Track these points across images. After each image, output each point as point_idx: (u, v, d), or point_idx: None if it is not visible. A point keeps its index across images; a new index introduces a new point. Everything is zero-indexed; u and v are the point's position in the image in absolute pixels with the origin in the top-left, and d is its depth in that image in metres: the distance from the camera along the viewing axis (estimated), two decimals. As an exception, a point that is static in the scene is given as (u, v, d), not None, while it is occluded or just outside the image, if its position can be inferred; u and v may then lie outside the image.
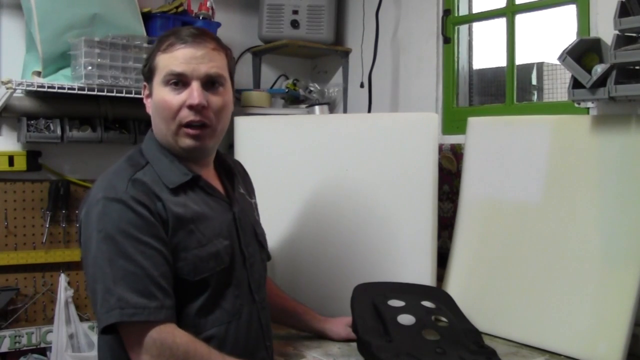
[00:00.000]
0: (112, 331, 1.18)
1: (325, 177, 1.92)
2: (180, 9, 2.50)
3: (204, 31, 1.34)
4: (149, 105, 1.35)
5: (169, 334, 1.17)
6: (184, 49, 1.27)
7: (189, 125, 1.28)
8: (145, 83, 1.36)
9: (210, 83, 1.29)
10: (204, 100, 1.27)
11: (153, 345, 1.15)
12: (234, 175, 1.46)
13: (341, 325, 1.66)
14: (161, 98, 1.28)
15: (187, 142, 1.29)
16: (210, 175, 1.39)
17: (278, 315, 1.61)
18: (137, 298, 1.15)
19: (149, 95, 1.34)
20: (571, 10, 2.00)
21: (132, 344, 1.17)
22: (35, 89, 2.13)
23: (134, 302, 1.15)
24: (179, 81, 1.27)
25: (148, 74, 1.33)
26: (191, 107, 1.26)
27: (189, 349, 1.17)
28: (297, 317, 1.67)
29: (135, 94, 2.22)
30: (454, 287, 1.83)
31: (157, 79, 1.30)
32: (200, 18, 2.56)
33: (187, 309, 1.25)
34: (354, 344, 1.57)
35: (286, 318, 1.66)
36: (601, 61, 1.62)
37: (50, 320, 2.36)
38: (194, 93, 1.26)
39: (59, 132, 2.30)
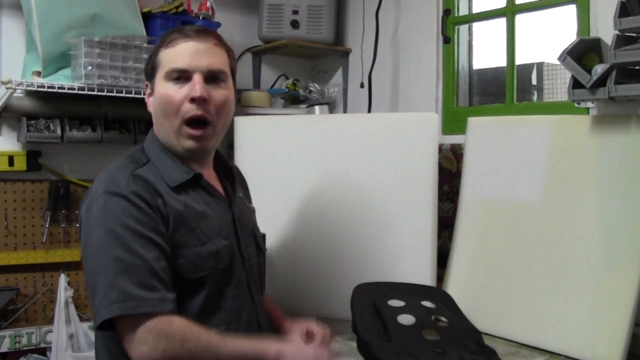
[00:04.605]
0: (109, 327, 1.16)
1: (325, 177, 1.92)
2: (180, 9, 2.50)
3: (207, 28, 1.35)
4: (151, 104, 1.35)
5: (165, 322, 1.15)
6: (186, 43, 1.29)
7: (190, 122, 1.28)
8: (147, 82, 1.37)
9: (212, 78, 1.30)
10: (205, 92, 1.27)
11: (149, 335, 1.14)
12: (233, 177, 1.46)
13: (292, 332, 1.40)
14: (164, 93, 1.29)
15: (188, 143, 1.29)
16: (210, 175, 1.40)
17: None
18: (138, 290, 1.14)
19: (151, 94, 1.35)
20: (571, 10, 2.00)
21: (128, 338, 1.15)
22: (35, 89, 2.13)
23: (135, 294, 1.14)
24: (181, 77, 1.28)
25: (150, 71, 1.34)
26: (193, 100, 1.27)
27: (186, 332, 1.16)
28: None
29: (135, 94, 2.22)
30: (454, 287, 1.83)
31: (160, 74, 1.30)
32: (200, 18, 2.55)
33: (187, 311, 1.25)
34: (354, 344, 1.57)
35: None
36: (601, 61, 1.62)
37: (50, 320, 2.36)
38: (196, 86, 1.27)
39: (59, 132, 2.30)
